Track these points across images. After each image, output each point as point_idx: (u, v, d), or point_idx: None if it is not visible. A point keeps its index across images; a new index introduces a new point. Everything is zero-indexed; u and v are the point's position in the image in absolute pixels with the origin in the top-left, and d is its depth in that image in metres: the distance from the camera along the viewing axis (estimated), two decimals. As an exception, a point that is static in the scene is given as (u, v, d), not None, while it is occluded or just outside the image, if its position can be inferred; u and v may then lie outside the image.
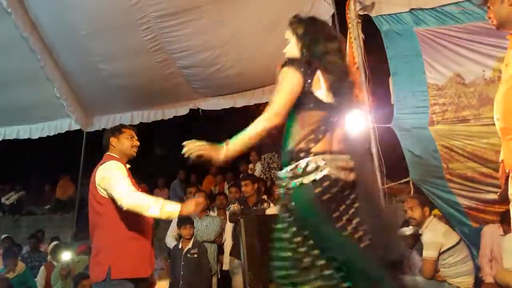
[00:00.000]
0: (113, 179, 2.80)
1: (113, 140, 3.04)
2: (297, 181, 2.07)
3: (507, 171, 2.37)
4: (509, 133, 2.28)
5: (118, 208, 2.78)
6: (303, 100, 2.15)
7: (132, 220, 2.85)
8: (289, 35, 2.31)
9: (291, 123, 2.19)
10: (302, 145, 2.12)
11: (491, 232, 4.18)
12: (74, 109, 6.70)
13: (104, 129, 2.95)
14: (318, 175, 2.03)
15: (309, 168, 2.06)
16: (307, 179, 2.05)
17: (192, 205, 2.86)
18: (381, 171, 4.84)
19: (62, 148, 7.39)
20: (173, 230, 5.12)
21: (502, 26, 2.33)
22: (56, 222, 7.25)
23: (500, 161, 2.49)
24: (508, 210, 4.09)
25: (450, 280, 3.77)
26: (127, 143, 3.05)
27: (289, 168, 2.13)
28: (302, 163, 2.09)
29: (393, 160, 4.98)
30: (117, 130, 3.11)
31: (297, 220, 2.08)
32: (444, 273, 3.80)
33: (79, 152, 6.96)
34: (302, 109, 2.17)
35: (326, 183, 2.03)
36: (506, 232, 4.10)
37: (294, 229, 2.09)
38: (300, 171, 2.08)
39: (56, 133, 7.04)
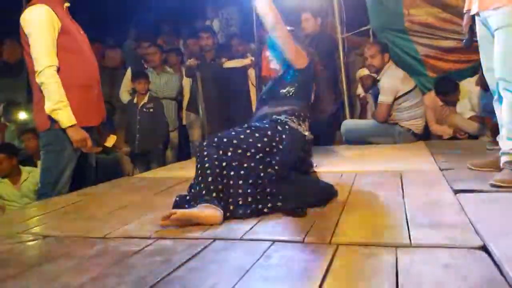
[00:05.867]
0: (33, 35, 2.47)
1: None
2: None
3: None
4: None
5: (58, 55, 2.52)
6: None
7: (75, 65, 2.60)
8: None
9: None
10: None
11: (430, 100, 4.17)
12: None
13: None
14: None
15: None
16: None
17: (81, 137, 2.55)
18: (341, 20, 4.65)
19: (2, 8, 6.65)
20: (127, 85, 4.89)
21: None
22: (6, 86, 6.84)
23: (465, 11, 2.36)
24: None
25: (402, 123, 3.83)
26: None
27: None
28: None
29: (354, 10, 4.75)
30: None
31: None
32: (397, 116, 3.85)
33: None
34: None
35: None
36: (442, 100, 4.08)
37: None
38: None
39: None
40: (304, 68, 2.36)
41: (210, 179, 1.76)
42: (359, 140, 3.96)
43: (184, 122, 5.05)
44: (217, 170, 1.79)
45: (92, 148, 2.65)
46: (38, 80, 2.48)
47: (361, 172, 2.49)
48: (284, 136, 2.04)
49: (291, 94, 2.30)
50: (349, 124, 4.13)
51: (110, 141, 2.98)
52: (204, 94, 4.64)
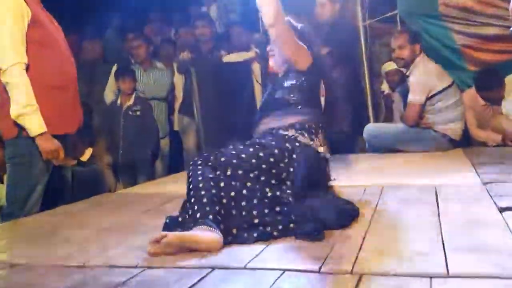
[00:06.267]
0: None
1: None
2: None
3: None
4: None
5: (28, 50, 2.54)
6: None
7: (47, 62, 2.62)
8: None
9: None
10: None
11: (470, 99, 4.14)
12: None
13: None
14: None
15: None
16: None
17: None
18: (363, 5, 4.66)
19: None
20: (112, 85, 4.91)
21: None
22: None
23: None
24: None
25: (437, 127, 3.83)
26: None
27: None
28: None
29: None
30: None
31: None
32: (430, 119, 3.85)
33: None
34: None
35: None
36: (485, 98, 4.05)
37: None
38: None
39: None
40: (305, 70, 2.37)
41: (204, 200, 1.75)
42: (385, 147, 3.97)
43: (176, 127, 5.07)
44: (213, 191, 1.78)
45: (66, 160, 2.66)
46: (3, 79, 2.50)
47: (388, 186, 2.49)
48: (294, 156, 2.03)
49: (296, 101, 2.29)
50: (373, 128, 4.13)
51: (86, 154, 3.00)
52: (200, 93, 4.67)
